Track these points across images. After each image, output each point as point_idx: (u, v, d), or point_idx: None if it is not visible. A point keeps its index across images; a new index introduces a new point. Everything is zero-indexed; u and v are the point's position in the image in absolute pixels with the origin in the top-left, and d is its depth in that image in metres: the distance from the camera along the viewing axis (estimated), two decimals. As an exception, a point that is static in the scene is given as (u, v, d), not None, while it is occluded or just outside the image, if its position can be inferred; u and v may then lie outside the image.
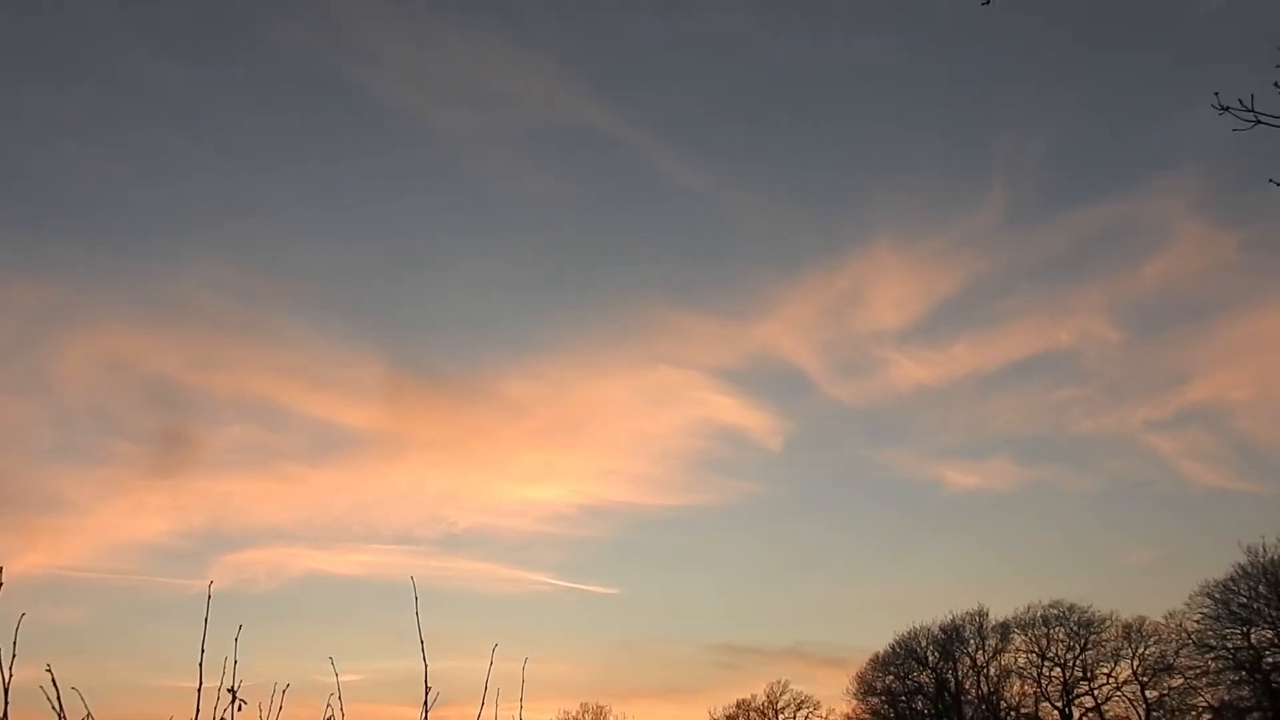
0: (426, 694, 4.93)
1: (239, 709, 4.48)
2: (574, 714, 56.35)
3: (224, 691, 4.44)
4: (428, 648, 4.82)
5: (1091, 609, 56.37)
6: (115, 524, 76.56)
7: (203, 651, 4.57)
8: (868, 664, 61.71)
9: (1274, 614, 48.25)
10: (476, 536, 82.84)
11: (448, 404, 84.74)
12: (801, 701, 63.44)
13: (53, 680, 4.19)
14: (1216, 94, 7.74)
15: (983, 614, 59.03)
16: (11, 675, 4.13)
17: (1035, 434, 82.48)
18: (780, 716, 63.43)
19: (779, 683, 64.46)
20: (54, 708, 4.20)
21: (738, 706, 63.10)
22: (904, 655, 60.70)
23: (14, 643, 4.10)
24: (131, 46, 76.96)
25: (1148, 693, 53.58)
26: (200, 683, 4.50)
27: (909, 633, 60.54)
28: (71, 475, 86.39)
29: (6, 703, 4.09)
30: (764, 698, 63.44)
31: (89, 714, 4.33)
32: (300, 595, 76.12)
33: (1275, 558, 47.96)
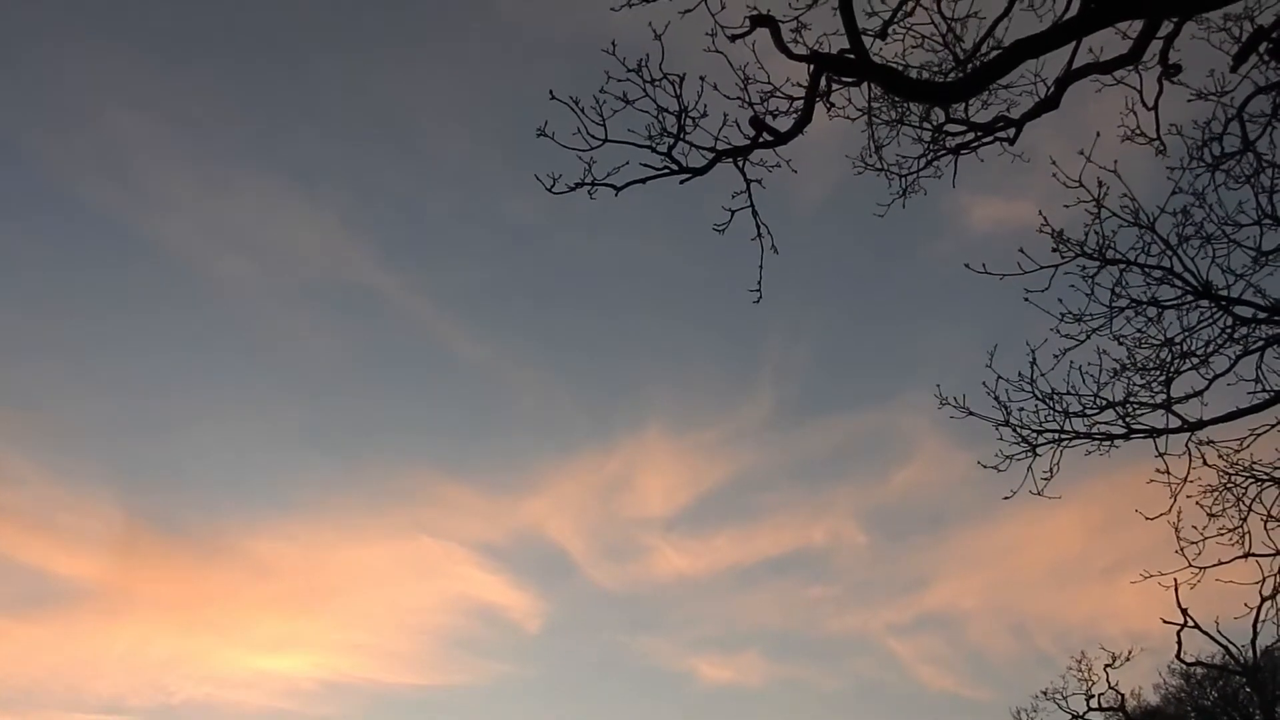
0: None
1: None
2: None
3: None
4: None
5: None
6: None
7: None
8: None
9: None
10: (198, 710, 74.46)
11: (186, 560, 77.47)
12: None
13: None
14: (939, 386, 9.06)
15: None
16: None
17: (787, 630, 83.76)
18: None
19: None
20: None
21: None
22: None
23: None
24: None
25: None
26: None
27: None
28: None
29: None
30: None
31: None
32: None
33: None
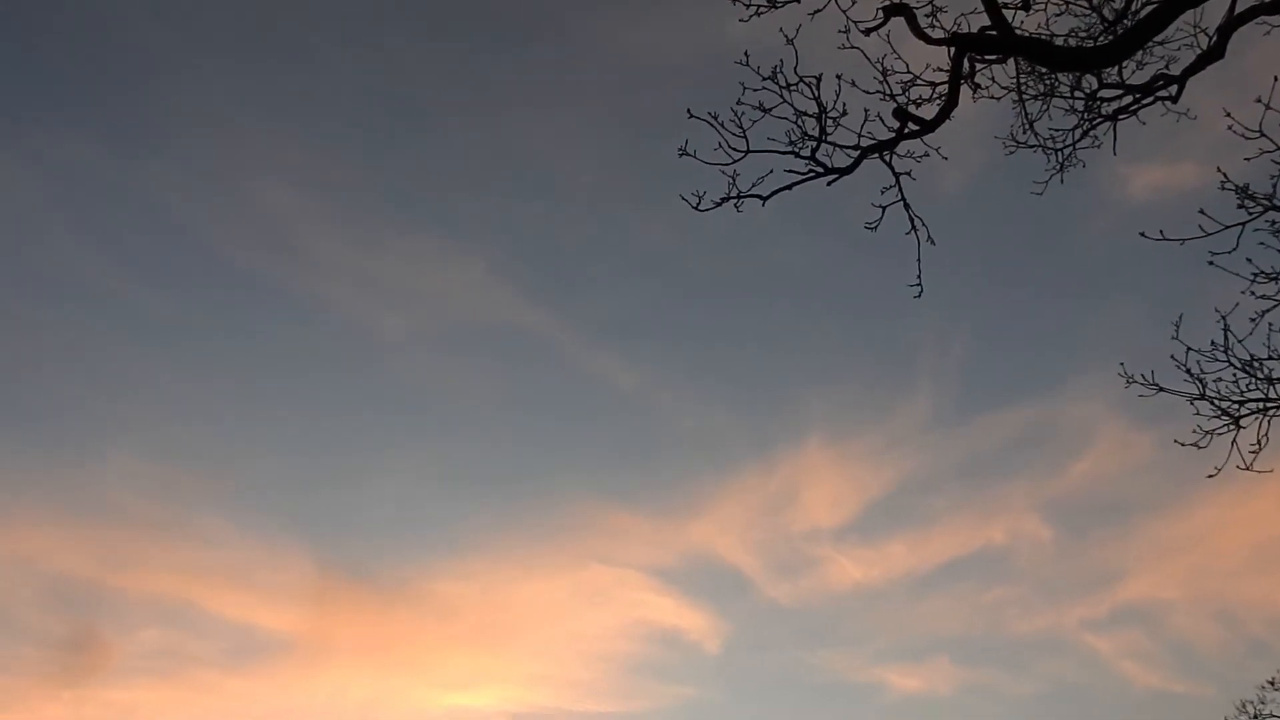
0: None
1: None
2: None
3: None
4: None
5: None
6: (8, 738, 70.19)
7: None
8: None
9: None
10: (401, 749, 77.92)
11: (376, 605, 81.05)
12: None
13: None
14: (1123, 364, 8.70)
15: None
16: None
17: (972, 635, 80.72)
18: None
19: None
20: None
21: None
22: None
23: None
24: (102, 270, 77.36)
25: None
26: None
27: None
28: (-35, 686, 79.67)
29: None
30: None
31: None
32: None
33: (1213, 756, 46.89)
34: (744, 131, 6.89)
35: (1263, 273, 7.56)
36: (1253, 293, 7.56)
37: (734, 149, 6.92)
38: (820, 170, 7.16)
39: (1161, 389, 8.32)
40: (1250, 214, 7.36)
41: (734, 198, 7.11)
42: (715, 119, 6.80)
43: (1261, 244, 7.72)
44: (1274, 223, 7.50)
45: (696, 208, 7.12)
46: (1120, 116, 9.10)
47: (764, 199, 7.16)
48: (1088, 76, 9.00)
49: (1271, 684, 21.26)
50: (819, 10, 7.35)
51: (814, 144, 7.07)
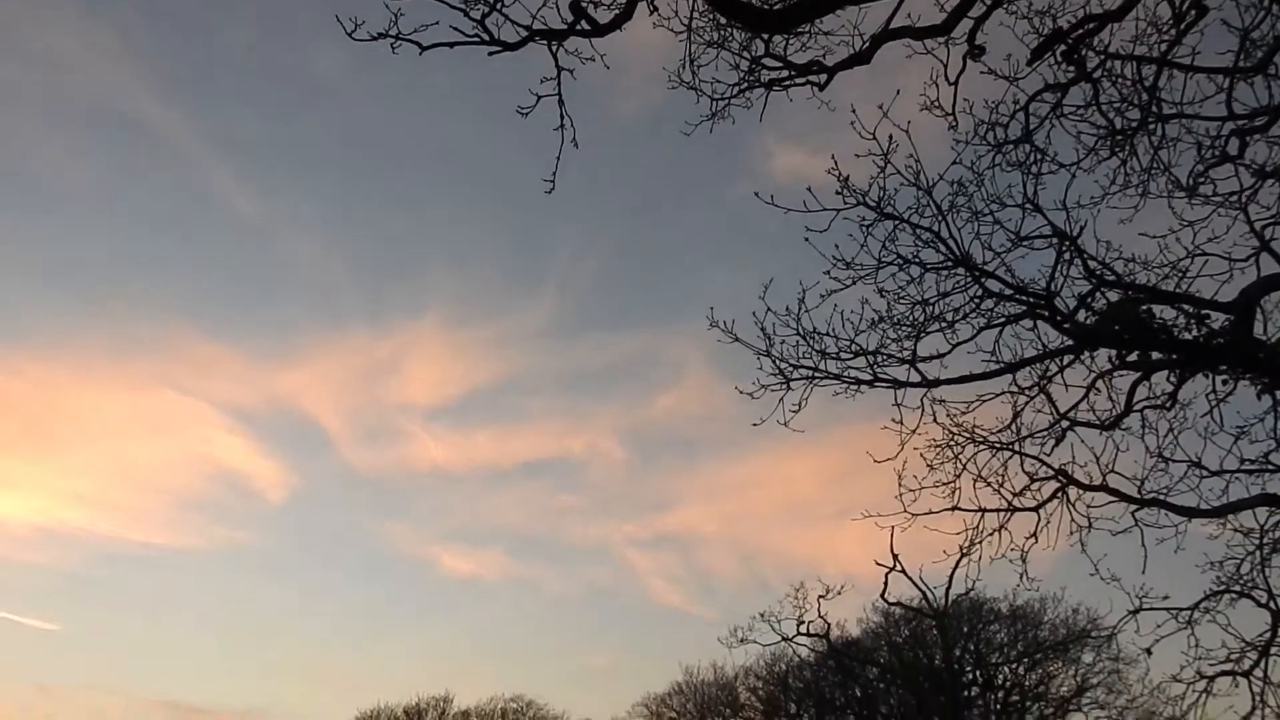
0: None
1: None
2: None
3: None
4: None
5: (548, 707, 58.84)
6: None
7: None
8: (321, 741, 59.18)
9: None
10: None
11: None
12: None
13: None
14: (711, 309, 9.02)
15: (447, 699, 59.22)
16: None
17: (532, 533, 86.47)
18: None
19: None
20: None
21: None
22: (361, 735, 59.08)
23: None
24: None
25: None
26: None
27: (372, 711, 59.17)
28: None
29: None
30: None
31: None
32: None
33: (705, 679, 53.35)
34: (418, -30, 6.55)
35: (842, 259, 8.50)
36: (830, 274, 8.49)
37: (402, -16, 6.57)
38: (486, 39, 6.98)
39: (736, 339, 9.11)
40: (846, 203, 8.23)
41: (392, 37, 6.76)
42: (391, -55, 6.39)
43: (850, 235, 8.66)
44: (863, 218, 8.44)
45: (351, 34, 6.69)
46: (774, 87, 9.75)
47: (423, 48, 6.87)
48: (756, 42, 9.54)
49: (761, 616, 24.59)
50: (528, -124, 7.12)
51: (486, 9, 6.88)
